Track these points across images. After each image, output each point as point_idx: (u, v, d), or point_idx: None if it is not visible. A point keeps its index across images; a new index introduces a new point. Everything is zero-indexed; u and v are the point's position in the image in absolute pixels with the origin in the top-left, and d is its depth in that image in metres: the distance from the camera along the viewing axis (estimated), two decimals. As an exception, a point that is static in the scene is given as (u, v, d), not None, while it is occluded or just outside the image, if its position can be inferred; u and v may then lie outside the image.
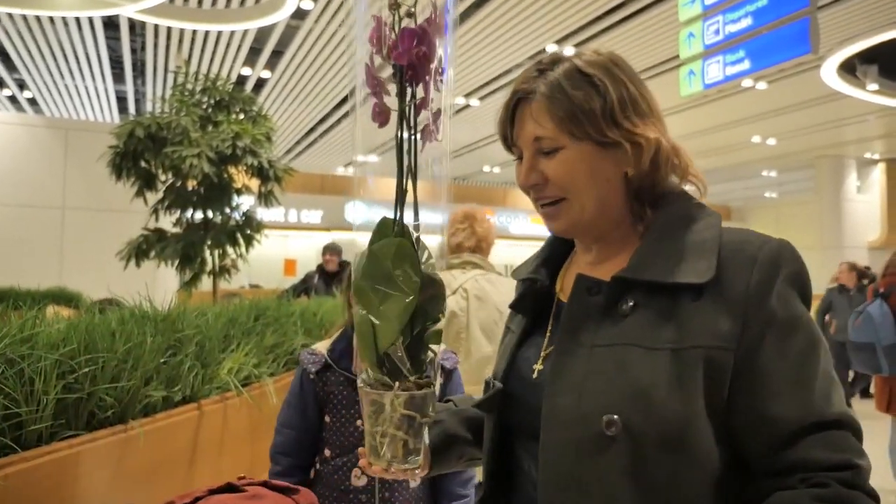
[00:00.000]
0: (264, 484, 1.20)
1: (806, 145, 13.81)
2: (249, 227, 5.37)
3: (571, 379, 0.82)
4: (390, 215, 0.89)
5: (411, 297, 0.83)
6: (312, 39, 8.45)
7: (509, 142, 0.93)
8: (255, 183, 5.39)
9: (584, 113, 0.85)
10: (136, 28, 8.52)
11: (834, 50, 8.34)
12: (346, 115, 11.53)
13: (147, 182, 5.22)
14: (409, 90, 0.86)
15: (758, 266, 0.79)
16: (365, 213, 0.94)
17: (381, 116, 0.88)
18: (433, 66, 0.86)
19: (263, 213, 5.80)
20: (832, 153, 14.67)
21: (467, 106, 10.83)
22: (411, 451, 0.86)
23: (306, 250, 13.75)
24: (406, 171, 0.88)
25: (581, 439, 0.78)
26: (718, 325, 0.77)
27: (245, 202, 5.48)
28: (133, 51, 9.36)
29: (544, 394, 0.83)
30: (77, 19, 7.96)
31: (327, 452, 1.72)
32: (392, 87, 0.88)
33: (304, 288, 5.92)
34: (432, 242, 0.92)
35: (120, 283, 3.61)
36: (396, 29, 0.86)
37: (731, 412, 0.78)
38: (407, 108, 0.87)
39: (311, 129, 12.74)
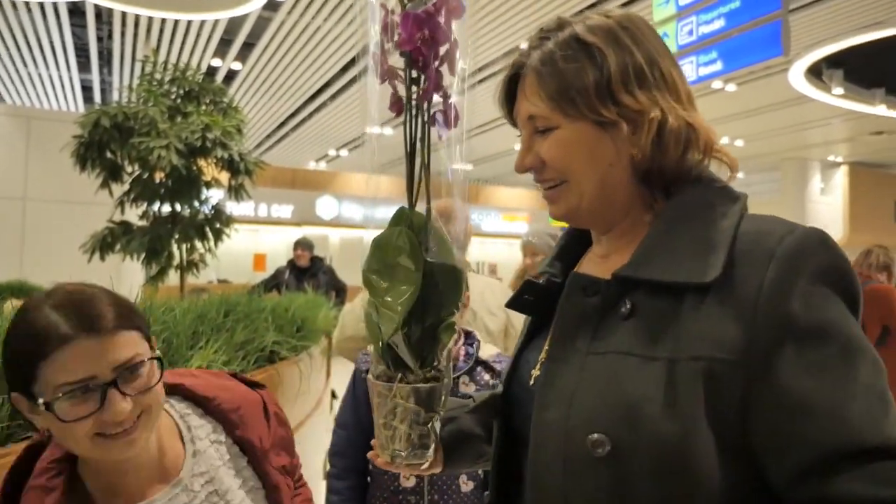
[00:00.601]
0: (233, 375, 1.20)
1: (772, 147, 14.07)
2: (219, 221, 5.27)
3: (562, 390, 0.73)
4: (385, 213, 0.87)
5: (412, 288, 0.80)
6: (285, 31, 8.34)
7: (511, 120, 0.87)
8: (224, 176, 5.30)
9: (576, 89, 0.76)
10: (102, 15, 8.31)
11: (802, 54, 8.49)
12: (318, 108, 11.42)
13: (113, 173, 5.09)
14: (418, 77, 0.83)
15: (775, 261, 0.66)
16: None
17: (395, 105, 0.85)
18: (444, 50, 0.82)
19: (233, 207, 5.69)
20: (797, 155, 14.97)
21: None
22: (417, 445, 0.83)
23: (276, 245, 13.61)
24: (417, 161, 0.85)
25: (568, 458, 0.70)
26: (722, 333, 0.66)
27: (214, 195, 5.37)
28: (99, 39, 9.13)
29: (535, 405, 0.76)
30: (41, 5, 7.74)
31: None
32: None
33: (274, 283, 5.85)
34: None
35: (83, 276, 3.49)
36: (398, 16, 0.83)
37: (748, 434, 0.66)
38: (414, 96, 0.83)
39: (283, 123, 12.59)
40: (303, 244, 6.24)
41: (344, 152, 14.63)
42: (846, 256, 0.70)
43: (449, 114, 0.85)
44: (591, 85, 0.76)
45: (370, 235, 0.86)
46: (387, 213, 0.87)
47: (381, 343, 0.83)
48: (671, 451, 0.65)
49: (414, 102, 0.84)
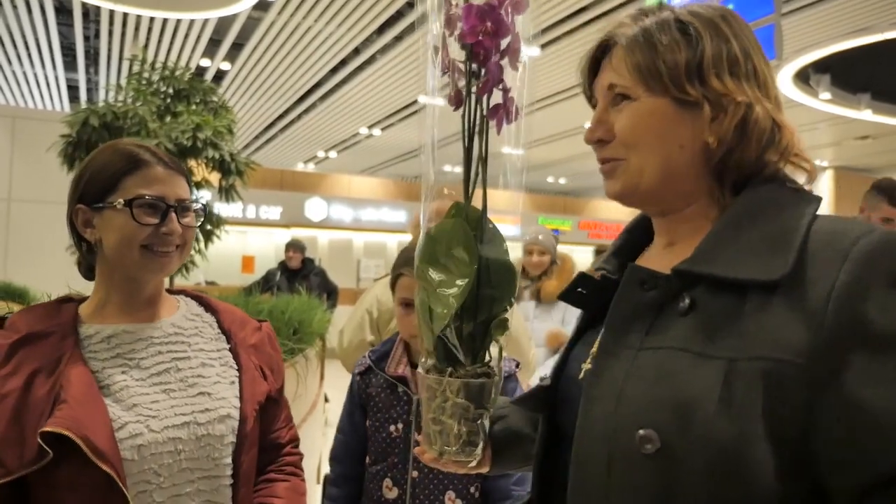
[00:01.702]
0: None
1: (759, 151, 14.20)
2: (209, 223, 5.22)
3: (610, 384, 0.71)
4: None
5: (466, 280, 0.80)
6: (275, 32, 8.28)
7: (589, 93, 0.85)
8: (215, 177, 5.24)
9: (666, 63, 0.74)
10: (90, 14, 8.22)
11: (790, 59, 8.56)
12: (307, 109, 11.36)
13: (101, 173, 5.02)
14: (478, 70, 0.83)
15: (850, 262, 0.63)
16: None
17: (454, 99, 0.85)
18: (506, 43, 0.81)
19: (221, 209, 5.64)
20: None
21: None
22: (466, 442, 0.83)
23: (265, 247, 13.52)
24: (476, 156, 0.86)
25: (613, 454, 0.68)
26: (788, 333, 0.62)
27: (204, 196, 5.32)
28: (86, 38, 9.03)
29: (582, 400, 0.74)
30: (27, 2, 7.64)
31: (368, 459, 1.66)
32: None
33: (266, 286, 5.80)
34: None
35: (69, 278, 3.44)
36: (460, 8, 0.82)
37: (809, 443, 0.62)
38: (474, 89, 0.84)
39: (272, 124, 12.52)
40: (295, 246, 6.20)
41: (333, 154, 14.56)
42: None
43: (509, 107, 0.84)
44: (681, 62, 0.74)
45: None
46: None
47: (432, 336, 0.83)
48: (725, 454, 0.62)
49: (474, 96, 0.83)
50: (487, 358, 0.84)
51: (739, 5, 4.85)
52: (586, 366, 0.80)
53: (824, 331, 0.62)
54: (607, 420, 0.69)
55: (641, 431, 0.65)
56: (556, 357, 0.92)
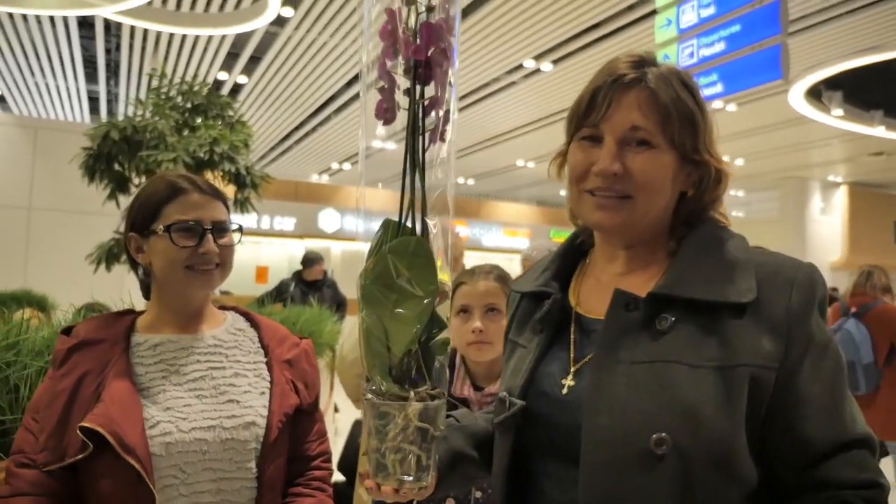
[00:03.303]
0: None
1: (772, 167, 14.16)
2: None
3: (613, 396, 0.79)
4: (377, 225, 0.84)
5: (428, 300, 0.79)
6: (291, 46, 8.44)
7: (587, 120, 0.87)
8: (230, 189, 5.36)
9: (689, 122, 0.85)
10: (111, 28, 8.41)
11: (801, 76, 8.59)
12: (322, 122, 11.52)
13: (120, 185, 5.15)
14: (422, 89, 0.82)
15: (796, 288, 0.80)
16: (363, 224, 0.89)
17: (387, 114, 0.83)
18: (447, 64, 0.81)
19: (236, 220, 5.73)
20: (797, 175, 15.06)
21: (444, 118, 10.90)
22: (424, 467, 0.81)
23: (278, 257, 13.65)
24: (414, 171, 0.83)
25: (625, 458, 0.77)
26: (762, 345, 0.78)
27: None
28: (107, 51, 9.23)
29: (584, 412, 0.81)
30: (51, 17, 7.84)
31: None
32: (401, 84, 0.83)
33: (279, 297, 5.86)
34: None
35: (88, 286, 3.56)
36: (411, 24, 0.82)
37: (766, 432, 0.79)
38: (417, 107, 0.82)
39: (287, 136, 12.68)
40: (321, 259, 6.27)
41: (347, 166, 14.71)
42: None
43: (443, 126, 0.84)
44: (700, 126, 0.86)
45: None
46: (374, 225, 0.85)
47: (384, 360, 0.80)
48: (723, 449, 0.76)
49: (419, 111, 0.82)
50: (434, 378, 0.83)
51: (746, 26, 4.92)
52: (569, 382, 0.87)
53: (787, 342, 0.79)
54: (616, 429, 0.78)
55: (655, 435, 0.75)
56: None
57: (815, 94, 9.53)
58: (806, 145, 12.48)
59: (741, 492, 0.77)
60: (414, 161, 0.82)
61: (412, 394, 0.79)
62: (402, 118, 0.84)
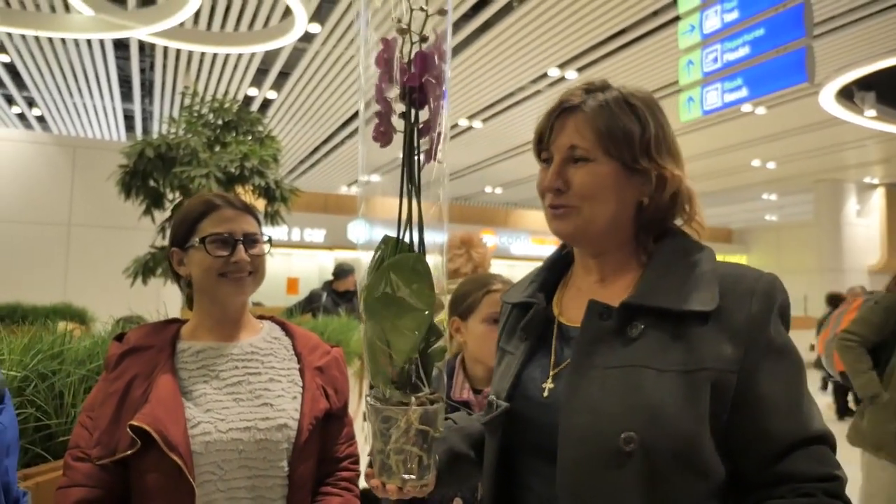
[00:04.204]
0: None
1: (805, 169, 13.94)
2: (255, 246, 5.42)
3: (587, 398, 0.86)
4: (391, 234, 0.90)
5: (427, 312, 0.85)
6: (319, 61, 8.60)
7: (542, 145, 0.98)
8: (261, 203, 5.47)
9: (624, 134, 0.91)
10: (145, 49, 8.68)
11: (831, 77, 8.48)
12: (350, 135, 11.68)
13: (155, 201, 5.28)
14: (417, 113, 0.88)
15: (756, 297, 0.86)
16: (367, 233, 0.96)
17: (384, 136, 0.89)
18: (439, 91, 0.89)
19: (267, 232, 5.84)
20: (831, 177, 14.79)
21: (470, 128, 10.97)
22: (425, 466, 0.87)
23: (309, 269, 13.82)
24: (410, 190, 0.89)
25: (597, 455, 0.83)
26: (723, 350, 0.84)
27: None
28: (142, 70, 9.51)
29: (561, 412, 0.87)
30: (88, 40, 8.11)
31: None
32: (398, 109, 0.89)
33: (310, 307, 5.96)
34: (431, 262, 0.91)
35: (125, 299, 3.68)
36: (405, 52, 0.88)
37: (730, 429, 0.84)
38: (412, 130, 0.88)
39: (316, 149, 12.88)
40: (352, 270, 6.37)
41: (375, 177, 14.85)
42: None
43: (435, 147, 0.90)
44: (636, 136, 0.92)
45: (367, 256, 0.90)
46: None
47: (385, 369, 0.86)
48: (687, 446, 0.81)
49: (414, 135, 0.88)
50: (433, 383, 0.89)
51: (770, 30, 4.89)
52: (549, 385, 0.94)
53: (747, 345, 0.85)
54: (586, 427, 0.84)
55: (623, 434, 0.81)
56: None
57: (847, 94, 9.38)
58: (839, 147, 12.27)
59: (708, 487, 0.82)
60: (410, 181, 0.89)
61: (413, 399, 0.85)
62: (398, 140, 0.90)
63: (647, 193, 0.93)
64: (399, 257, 0.88)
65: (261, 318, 1.43)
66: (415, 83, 0.87)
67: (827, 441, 0.85)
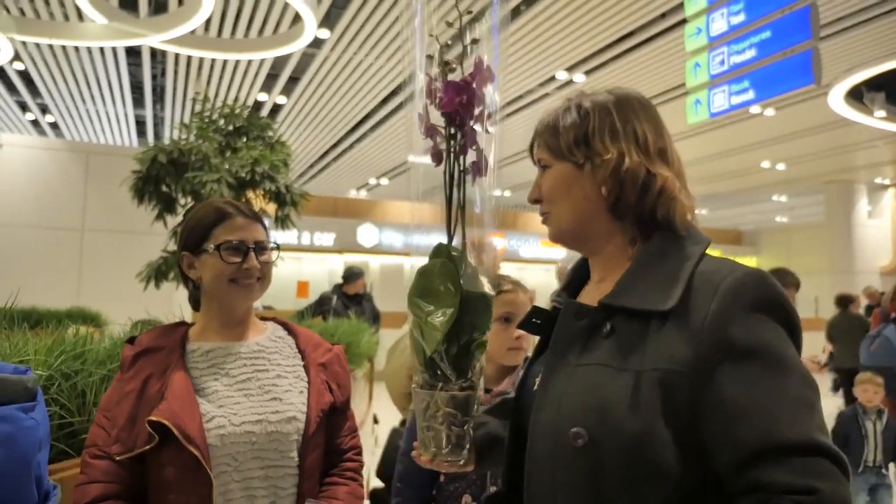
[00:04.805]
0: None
1: (815, 170, 13.87)
2: (266, 250, 5.48)
3: (553, 395, 0.91)
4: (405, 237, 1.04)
5: (452, 309, 0.97)
6: (328, 67, 8.67)
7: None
8: (271, 207, 5.53)
9: (563, 137, 0.98)
10: (157, 56, 8.77)
11: (840, 78, 8.46)
12: (359, 139, 11.74)
13: (167, 206, 5.35)
14: (455, 133, 1.03)
15: (718, 296, 0.83)
16: (418, 239, 1.11)
17: (436, 157, 1.04)
18: (478, 111, 1.02)
19: (277, 236, 5.91)
20: (842, 178, 14.71)
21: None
22: (454, 445, 1.00)
23: (318, 272, 13.88)
24: (454, 202, 1.04)
25: (555, 450, 0.88)
26: (675, 350, 0.82)
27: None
28: (153, 77, 9.62)
29: (533, 408, 0.94)
30: (100, 47, 8.21)
31: (441, 478, 1.74)
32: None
33: (320, 310, 6.00)
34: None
35: (138, 303, 3.73)
36: (440, 83, 1.02)
37: (701, 433, 0.81)
38: (452, 148, 1.03)
39: (325, 153, 12.96)
40: (362, 273, 6.44)
41: (384, 181, 14.93)
42: (784, 292, 0.86)
43: (480, 164, 1.05)
44: (572, 135, 0.98)
45: (414, 262, 1.03)
46: (427, 240, 1.06)
47: (424, 357, 1.00)
48: (632, 443, 0.82)
49: (452, 155, 1.03)
50: (470, 374, 1.02)
51: (776, 33, 4.91)
52: (538, 380, 0.99)
53: (702, 347, 0.82)
54: (550, 423, 0.89)
55: (573, 429, 0.85)
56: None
57: (856, 95, 9.34)
58: (849, 148, 12.21)
59: (667, 491, 0.81)
60: (451, 192, 1.04)
61: (439, 385, 0.99)
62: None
63: (602, 183, 0.94)
64: (430, 262, 1.02)
65: (263, 319, 1.49)
66: (447, 109, 1.01)
67: (814, 451, 0.75)
